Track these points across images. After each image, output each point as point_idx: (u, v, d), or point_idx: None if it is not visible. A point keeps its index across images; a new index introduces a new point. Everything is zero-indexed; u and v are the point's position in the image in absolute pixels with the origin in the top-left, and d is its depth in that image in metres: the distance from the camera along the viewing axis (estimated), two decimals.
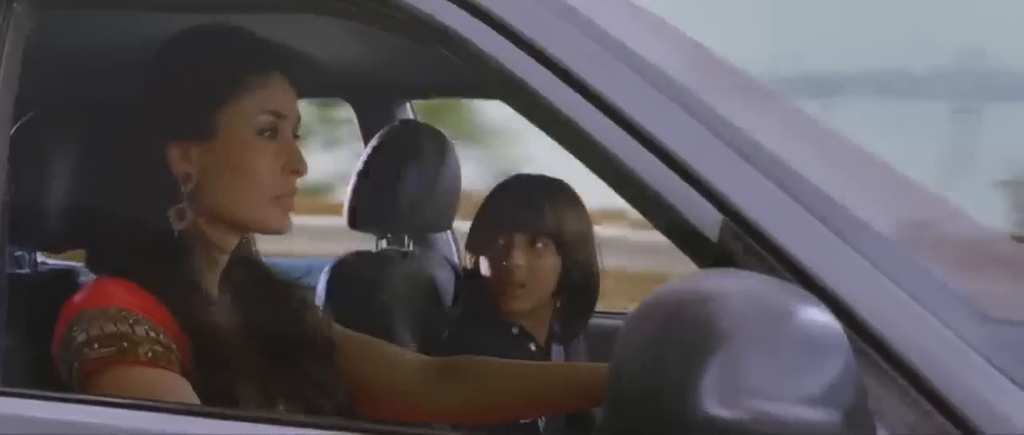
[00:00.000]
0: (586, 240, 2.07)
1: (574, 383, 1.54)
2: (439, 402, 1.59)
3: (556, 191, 2.06)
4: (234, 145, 1.45)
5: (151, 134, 1.46)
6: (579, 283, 2.07)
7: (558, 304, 2.09)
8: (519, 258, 2.01)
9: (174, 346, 1.37)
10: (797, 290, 0.96)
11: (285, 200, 1.47)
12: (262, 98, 1.46)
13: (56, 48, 1.54)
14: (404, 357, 1.65)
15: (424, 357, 1.65)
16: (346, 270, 2.14)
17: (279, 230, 1.47)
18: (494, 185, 2.12)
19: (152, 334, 1.36)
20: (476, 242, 2.08)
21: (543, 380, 1.58)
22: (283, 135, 1.47)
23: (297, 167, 1.47)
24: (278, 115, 1.46)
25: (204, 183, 1.45)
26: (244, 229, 1.50)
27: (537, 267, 2.02)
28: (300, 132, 1.51)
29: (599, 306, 2.13)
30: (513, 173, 2.15)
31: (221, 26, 1.50)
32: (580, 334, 2.16)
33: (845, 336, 0.93)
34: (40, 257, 2.16)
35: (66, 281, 1.70)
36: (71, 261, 1.88)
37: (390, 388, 1.61)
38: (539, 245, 2.02)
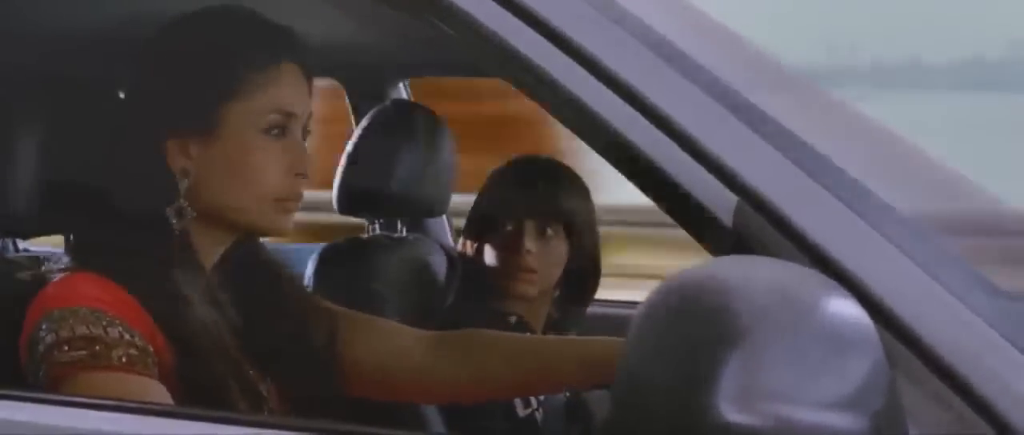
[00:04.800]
0: (591, 225, 2.03)
1: (585, 359, 1.46)
2: (441, 378, 1.52)
3: (562, 174, 2.02)
4: (237, 143, 1.36)
5: (146, 124, 1.37)
6: (582, 270, 2.03)
7: (557, 292, 2.05)
8: (530, 244, 1.95)
9: (151, 348, 1.30)
10: (823, 280, 0.88)
11: (288, 204, 1.39)
12: (272, 95, 1.37)
13: (34, 20, 1.47)
14: (406, 332, 1.57)
15: (424, 332, 1.57)
16: (335, 257, 2.08)
17: (279, 233, 1.40)
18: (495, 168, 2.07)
19: (127, 336, 1.28)
20: (479, 227, 2.03)
21: (551, 355, 1.51)
22: (291, 134, 1.39)
23: (303, 170, 1.39)
24: (287, 114, 1.38)
25: (202, 180, 1.37)
26: (241, 231, 1.42)
27: (547, 253, 1.97)
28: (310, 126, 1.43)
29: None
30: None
31: (231, 9, 1.41)
32: (577, 323, 2.11)
33: (876, 332, 0.85)
34: (21, 244, 2.09)
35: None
36: (54, 248, 1.81)
37: (392, 365, 1.53)
38: (549, 231, 1.97)
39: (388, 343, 1.54)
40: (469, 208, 2.08)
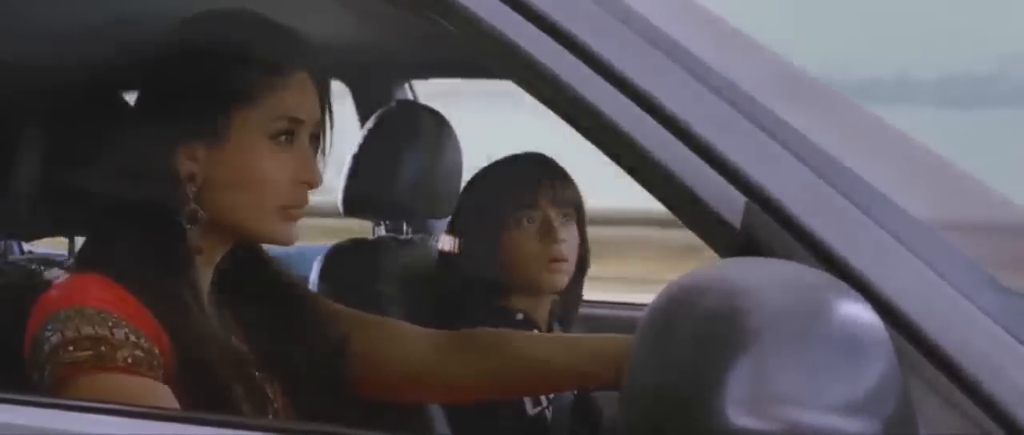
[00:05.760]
0: (583, 211, 2.03)
1: (596, 356, 1.45)
2: (455, 377, 1.52)
3: (556, 164, 2.02)
4: (244, 150, 1.35)
5: (154, 127, 1.37)
6: (581, 261, 2.03)
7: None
8: (563, 232, 1.96)
9: (156, 350, 1.29)
10: (834, 282, 0.86)
11: (293, 212, 1.38)
12: (281, 102, 1.36)
13: (39, 20, 1.46)
14: (416, 333, 1.56)
15: (433, 331, 1.56)
16: (341, 258, 2.06)
17: (283, 242, 1.39)
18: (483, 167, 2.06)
19: (132, 338, 1.27)
20: (487, 224, 2.00)
21: (561, 352, 1.50)
22: (299, 142, 1.38)
23: (309, 178, 1.38)
24: (296, 121, 1.37)
25: (208, 185, 1.36)
26: (245, 238, 1.41)
27: (571, 242, 1.98)
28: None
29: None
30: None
31: (240, 12, 1.40)
32: (575, 313, 2.10)
33: (888, 335, 0.84)
34: (26, 246, 2.09)
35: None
36: (58, 250, 1.81)
37: (403, 366, 1.52)
38: (566, 218, 1.98)
39: (397, 343, 1.53)
40: None
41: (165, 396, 1.27)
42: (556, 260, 1.95)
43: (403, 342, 1.53)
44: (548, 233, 1.95)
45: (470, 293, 2.02)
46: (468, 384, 1.52)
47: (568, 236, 1.97)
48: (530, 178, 1.99)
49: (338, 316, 1.53)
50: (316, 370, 1.46)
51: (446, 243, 2.04)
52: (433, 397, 1.68)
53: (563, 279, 1.98)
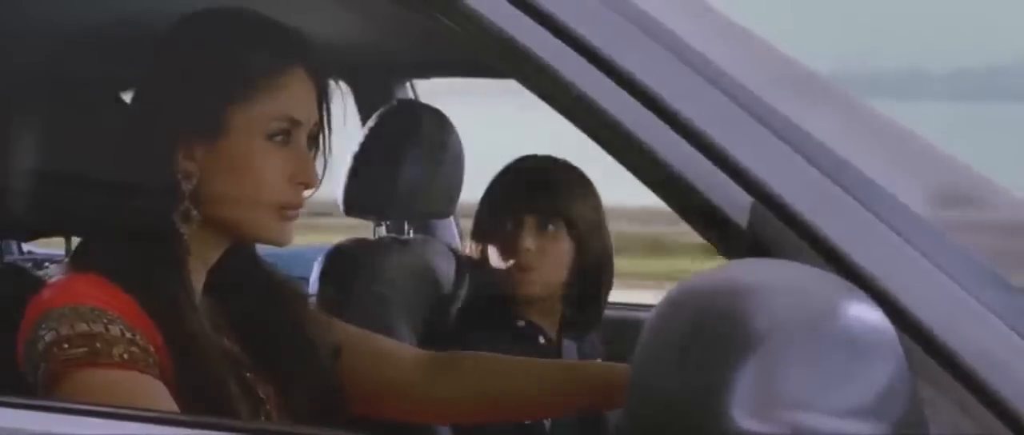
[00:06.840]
0: (598, 223, 2.00)
1: (586, 383, 1.45)
2: (439, 400, 1.51)
3: (565, 172, 1.99)
4: (241, 148, 1.34)
5: (152, 126, 1.36)
6: (591, 270, 1.99)
7: (569, 294, 2.01)
8: (529, 241, 1.93)
9: (151, 348, 1.28)
10: (842, 283, 0.85)
11: (290, 212, 1.37)
12: (279, 100, 1.35)
13: (37, 20, 1.45)
14: (401, 351, 1.56)
15: (423, 351, 1.56)
16: (341, 259, 2.05)
17: (278, 242, 1.38)
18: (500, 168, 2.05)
19: (127, 334, 1.26)
20: (482, 228, 2.02)
21: (552, 379, 1.49)
22: (296, 142, 1.37)
23: (306, 179, 1.37)
24: (293, 121, 1.36)
25: (205, 184, 1.35)
26: (241, 237, 1.40)
27: (548, 250, 1.94)
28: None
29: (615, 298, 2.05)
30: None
31: (239, 11, 1.39)
32: (594, 327, 2.08)
33: (897, 337, 0.83)
34: (26, 247, 2.08)
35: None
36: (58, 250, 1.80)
37: (387, 385, 1.51)
38: (550, 227, 1.94)
39: (380, 361, 1.52)
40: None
41: (160, 393, 1.26)
42: (519, 270, 1.93)
43: (387, 360, 1.53)
44: (513, 241, 1.94)
45: (476, 299, 2.02)
46: (450, 406, 1.52)
47: (540, 245, 1.94)
48: (514, 183, 1.99)
49: (329, 326, 1.52)
50: (309, 372, 1.45)
51: (464, 247, 2.05)
52: (414, 416, 1.68)
53: (531, 289, 1.95)
